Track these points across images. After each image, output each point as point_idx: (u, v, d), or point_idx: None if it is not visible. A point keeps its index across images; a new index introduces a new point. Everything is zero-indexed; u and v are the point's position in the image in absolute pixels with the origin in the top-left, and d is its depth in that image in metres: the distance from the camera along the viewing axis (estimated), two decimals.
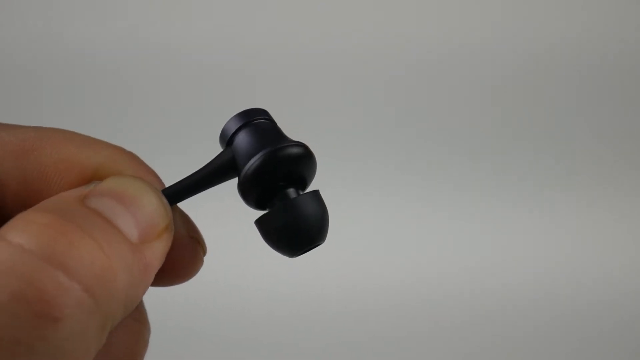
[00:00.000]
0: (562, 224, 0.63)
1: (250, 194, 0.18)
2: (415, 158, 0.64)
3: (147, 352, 0.19)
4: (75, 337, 0.13)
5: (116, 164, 0.18)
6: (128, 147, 0.19)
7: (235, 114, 0.19)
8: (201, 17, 0.64)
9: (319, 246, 0.18)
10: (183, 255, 0.18)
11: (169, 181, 0.19)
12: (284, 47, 0.64)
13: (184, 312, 0.54)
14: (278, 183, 0.18)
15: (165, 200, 0.16)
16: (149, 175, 0.18)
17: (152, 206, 0.16)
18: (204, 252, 0.19)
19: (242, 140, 0.18)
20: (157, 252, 0.16)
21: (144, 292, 0.16)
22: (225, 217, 0.52)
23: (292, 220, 0.18)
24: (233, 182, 0.19)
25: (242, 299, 0.57)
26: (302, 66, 0.64)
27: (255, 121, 0.18)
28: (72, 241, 0.14)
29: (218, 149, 0.19)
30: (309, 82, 0.64)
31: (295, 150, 0.18)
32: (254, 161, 0.17)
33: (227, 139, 0.19)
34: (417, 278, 0.59)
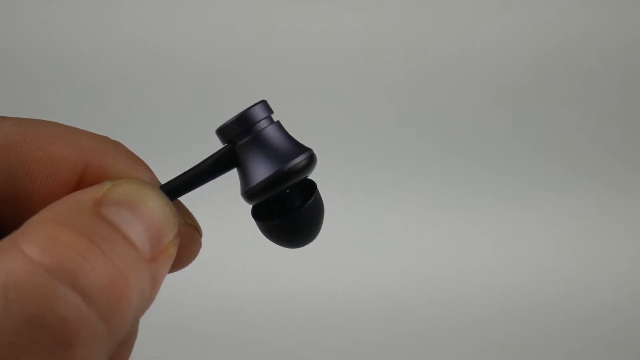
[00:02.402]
0: (563, 225, 0.63)
1: (255, 202, 0.19)
2: (415, 159, 0.64)
3: (143, 352, 0.19)
4: None
5: (105, 158, 0.18)
6: (123, 142, 0.19)
7: (237, 113, 0.19)
8: (199, 15, 0.64)
9: (315, 243, 0.20)
10: (183, 243, 0.18)
11: (159, 173, 0.19)
12: (286, 47, 0.64)
13: (180, 311, 0.54)
14: (284, 191, 0.19)
15: (175, 210, 0.16)
16: (140, 167, 0.18)
17: (166, 220, 0.16)
18: (200, 235, 0.20)
19: (249, 149, 0.19)
20: (164, 267, 0.16)
21: (148, 307, 0.16)
22: (222, 215, 0.52)
23: (299, 229, 0.19)
24: (228, 177, 0.19)
25: (241, 299, 0.57)
26: (304, 65, 0.64)
27: (260, 125, 0.19)
28: (95, 266, 0.14)
29: (209, 144, 0.19)
30: (310, 82, 0.64)
31: (303, 164, 0.18)
32: (264, 179, 0.18)
33: (228, 138, 0.19)
34: (417, 279, 0.59)
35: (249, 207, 0.19)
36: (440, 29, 0.65)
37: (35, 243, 0.14)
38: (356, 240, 0.60)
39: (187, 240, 0.19)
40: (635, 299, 0.58)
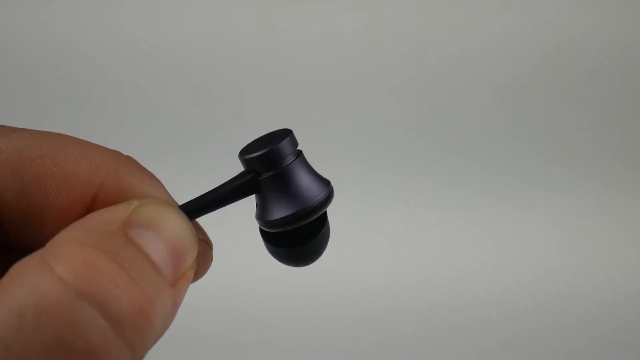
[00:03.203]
0: (563, 225, 0.63)
1: (272, 231, 0.19)
2: (415, 158, 0.64)
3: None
4: None
5: (119, 175, 0.18)
6: (124, 149, 0.19)
7: (265, 148, 0.19)
8: (199, 15, 0.64)
9: None
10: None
11: (159, 172, 0.19)
12: (286, 47, 0.64)
13: (184, 314, 0.54)
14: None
15: (195, 232, 0.17)
16: (154, 183, 0.18)
17: (187, 241, 0.16)
18: (211, 248, 0.20)
19: (272, 184, 0.19)
20: (184, 289, 0.16)
21: (167, 328, 0.16)
22: (226, 218, 0.52)
23: (308, 255, 0.20)
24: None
25: (240, 300, 0.57)
26: (303, 65, 0.64)
27: (285, 164, 0.19)
28: (124, 293, 0.14)
29: (217, 153, 0.19)
30: (310, 82, 0.64)
31: (324, 201, 0.19)
32: (286, 216, 0.19)
33: (251, 168, 0.19)
34: (417, 279, 0.59)
35: (249, 209, 0.20)
36: (440, 29, 0.65)
37: (67, 264, 0.14)
38: (356, 240, 0.60)
39: (200, 255, 0.19)
40: (635, 299, 0.58)
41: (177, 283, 0.16)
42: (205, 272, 0.19)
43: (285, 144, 0.19)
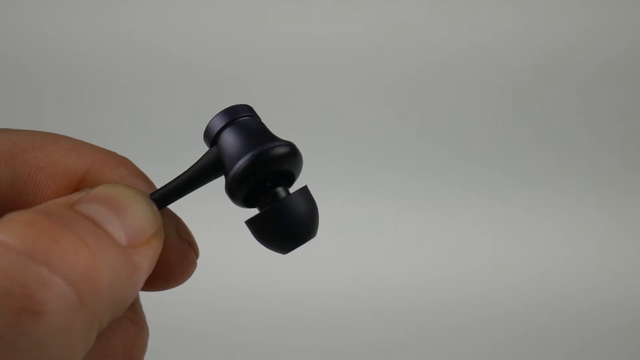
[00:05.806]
0: (563, 225, 0.63)
1: (238, 194, 0.18)
2: (416, 159, 0.64)
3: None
4: (59, 333, 0.13)
5: (103, 169, 0.18)
6: (122, 149, 0.19)
7: (218, 112, 0.19)
8: (196, 17, 0.64)
9: (314, 243, 0.19)
10: (174, 258, 0.18)
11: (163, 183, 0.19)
12: (286, 48, 0.64)
13: (180, 314, 0.54)
14: (266, 183, 0.18)
15: (154, 207, 0.16)
16: (138, 179, 0.18)
17: (142, 212, 0.16)
18: (197, 255, 0.19)
19: (228, 140, 0.18)
20: (145, 257, 0.16)
21: (133, 295, 0.15)
22: (220, 219, 0.52)
23: (284, 222, 0.18)
24: (222, 183, 0.19)
25: (241, 300, 0.57)
26: (305, 66, 0.64)
27: (240, 119, 0.18)
28: (56, 238, 0.14)
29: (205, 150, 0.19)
30: (311, 82, 0.64)
31: (282, 150, 0.18)
32: (241, 163, 0.17)
33: (211, 138, 0.19)
34: (417, 279, 0.59)
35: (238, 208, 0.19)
36: (441, 29, 0.65)
37: (1, 229, 0.14)
38: (356, 241, 0.60)
39: (180, 257, 0.18)
40: (635, 299, 0.58)
41: (138, 248, 0.15)
42: (187, 276, 0.19)
43: (239, 105, 0.19)
